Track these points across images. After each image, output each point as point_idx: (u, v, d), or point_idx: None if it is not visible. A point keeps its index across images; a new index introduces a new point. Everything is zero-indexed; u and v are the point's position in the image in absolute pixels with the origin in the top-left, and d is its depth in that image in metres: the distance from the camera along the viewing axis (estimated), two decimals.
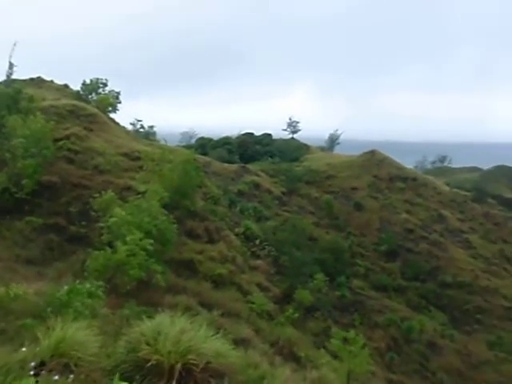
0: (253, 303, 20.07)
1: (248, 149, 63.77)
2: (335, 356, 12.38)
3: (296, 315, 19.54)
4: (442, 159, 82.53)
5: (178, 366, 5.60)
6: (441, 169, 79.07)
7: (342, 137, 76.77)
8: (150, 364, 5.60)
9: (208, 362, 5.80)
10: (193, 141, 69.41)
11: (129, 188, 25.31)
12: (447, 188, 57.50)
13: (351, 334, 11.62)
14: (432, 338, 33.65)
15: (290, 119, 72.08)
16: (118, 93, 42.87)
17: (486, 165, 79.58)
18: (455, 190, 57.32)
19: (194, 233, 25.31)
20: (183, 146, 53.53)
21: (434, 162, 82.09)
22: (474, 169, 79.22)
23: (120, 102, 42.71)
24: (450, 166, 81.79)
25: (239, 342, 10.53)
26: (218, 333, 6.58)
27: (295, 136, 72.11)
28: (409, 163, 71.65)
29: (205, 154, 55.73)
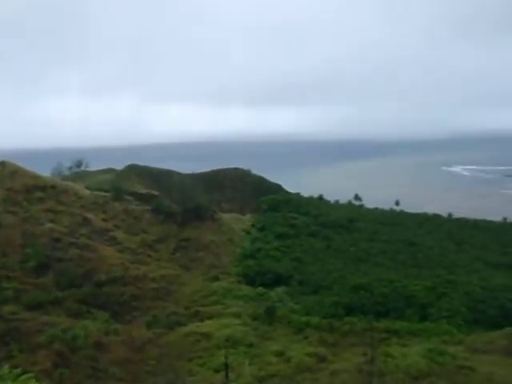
0: None
1: None
2: None
3: None
4: (79, 164, 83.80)
5: None
6: (78, 173, 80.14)
7: None
8: None
9: None
10: None
11: None
12: (88, 191, 59.02)
13: (4, 370, 10.22)
14: (98, 338, 34.32)
15: None
16: None
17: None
18: (96, 192, 59.50)
19: None
20: None
21: (71, 168, 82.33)
22: (110, 170, 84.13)
23: None
24: (87, 169, 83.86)
25: None
26: None
27: None
28: (45, 171, 69.22)
29: None
